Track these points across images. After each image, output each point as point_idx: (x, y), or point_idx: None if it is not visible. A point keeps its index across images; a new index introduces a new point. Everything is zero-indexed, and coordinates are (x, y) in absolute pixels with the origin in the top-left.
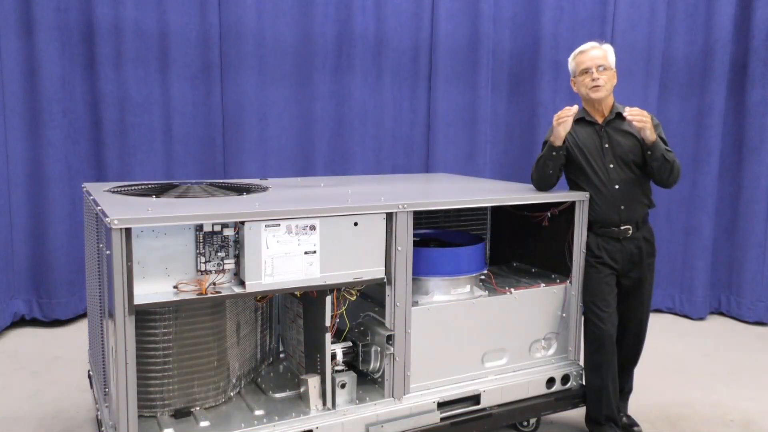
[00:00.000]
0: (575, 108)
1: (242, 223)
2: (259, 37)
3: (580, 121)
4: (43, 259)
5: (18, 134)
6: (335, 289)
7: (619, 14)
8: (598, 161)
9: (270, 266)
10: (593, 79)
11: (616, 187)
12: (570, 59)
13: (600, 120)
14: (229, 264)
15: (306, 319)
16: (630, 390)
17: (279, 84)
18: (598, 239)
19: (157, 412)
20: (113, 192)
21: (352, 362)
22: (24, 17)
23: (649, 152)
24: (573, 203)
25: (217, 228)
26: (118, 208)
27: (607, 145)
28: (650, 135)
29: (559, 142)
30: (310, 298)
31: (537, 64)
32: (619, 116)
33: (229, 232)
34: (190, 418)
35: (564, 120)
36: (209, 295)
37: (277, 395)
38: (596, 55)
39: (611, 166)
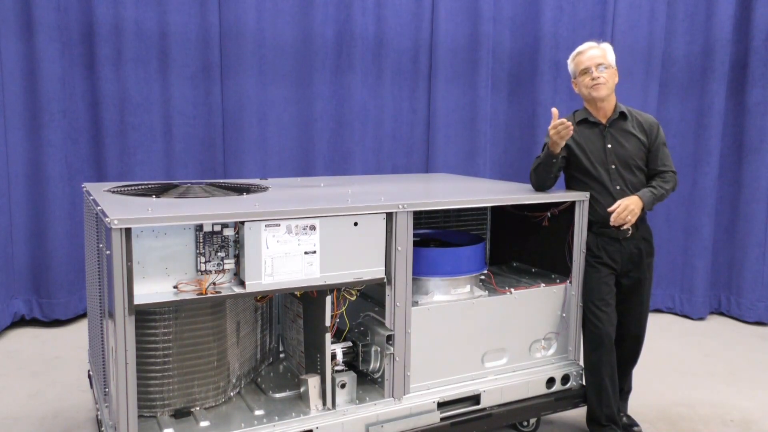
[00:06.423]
0: (569, 124)
1: (242, 223)
2: (259, 37)
3: (582, 122)
4: (43, 259)
5: (18, 134)
6: (335, 289)
7: (619, 14)
8: (600, 162)
9: (270, 266)
10: (593, 78)
11: (617, 188)
12: (569, 61)
13: (603, 120)
14: (229, 264)
15: (306, 319)
16: (630, 390)
17: (279, 84)
18: (597, 239)
19: (157, 412)
20: (113, 192)
21: (352, 362)
22: (24, 17)
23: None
24: (573, 203)
25: (217, 228)
26: (118, 208)
27: (609, 146)
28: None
29: (557, 150)
30: (310, 298)
31: (537, 64)
32: (623, 116)
33: (229, 232)
34: (190, 418)
35: (563, 134)
36: (209, 295)
37: (277, 395)
38: (595, 55)
39: (613, 167)
